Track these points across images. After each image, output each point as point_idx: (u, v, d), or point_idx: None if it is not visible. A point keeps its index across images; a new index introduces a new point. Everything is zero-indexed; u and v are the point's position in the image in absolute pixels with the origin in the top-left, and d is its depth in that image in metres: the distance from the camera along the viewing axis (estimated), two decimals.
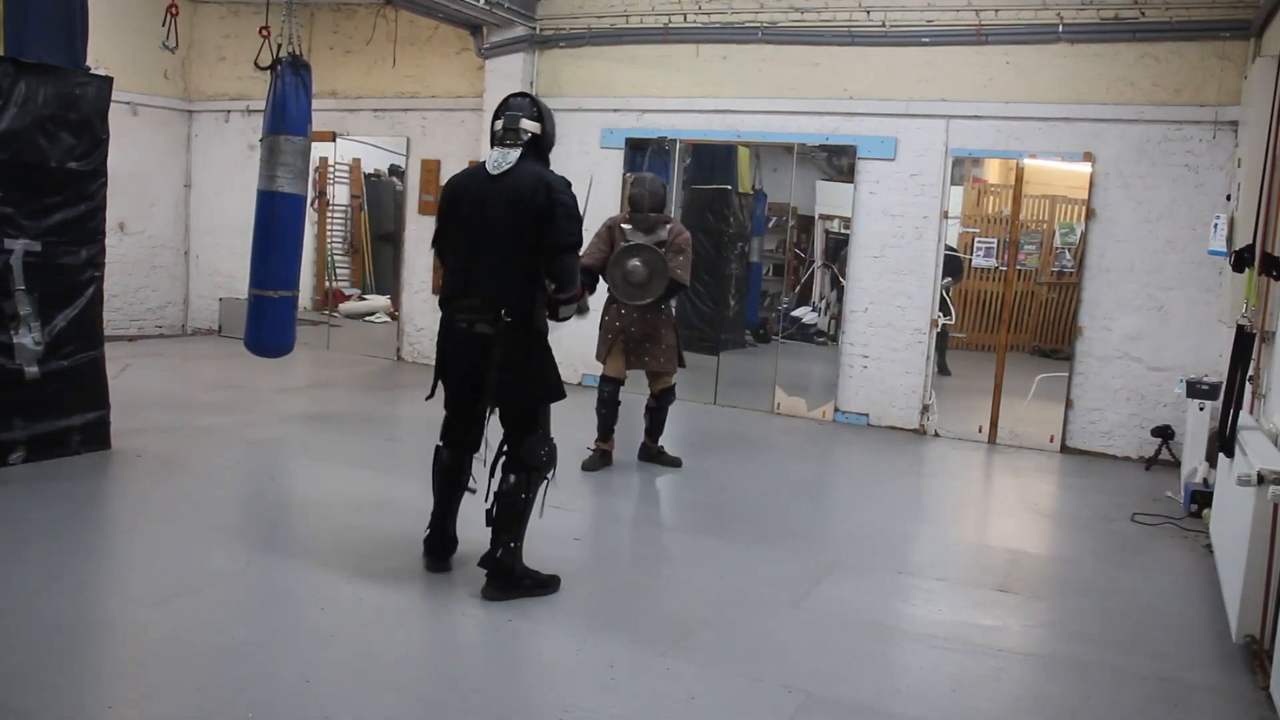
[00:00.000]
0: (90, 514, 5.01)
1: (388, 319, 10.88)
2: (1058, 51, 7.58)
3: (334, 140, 10.42)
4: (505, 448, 4.03)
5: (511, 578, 3.99)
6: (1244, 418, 4.32)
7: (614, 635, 3.75)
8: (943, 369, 8.20)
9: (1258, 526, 3.69)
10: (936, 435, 7.97)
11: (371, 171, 11.73)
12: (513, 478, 3.98)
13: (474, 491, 4.22)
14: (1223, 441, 4.28)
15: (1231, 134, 7.04)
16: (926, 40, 7.92)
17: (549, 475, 4.07)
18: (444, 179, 9.76)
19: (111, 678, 3.28)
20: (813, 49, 8.30)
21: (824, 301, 8.88)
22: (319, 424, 7.14)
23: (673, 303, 6.32)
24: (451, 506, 4.27)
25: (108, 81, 5.79)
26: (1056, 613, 4.37)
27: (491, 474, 4.09)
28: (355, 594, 4.03)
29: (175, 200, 11.18)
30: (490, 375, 3.88)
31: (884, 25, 8.03)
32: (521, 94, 4.16)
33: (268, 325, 6.96)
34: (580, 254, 4.13)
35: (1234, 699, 3.53)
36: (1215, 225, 6.15)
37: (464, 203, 4.00)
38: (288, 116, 6.77)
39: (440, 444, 4.24)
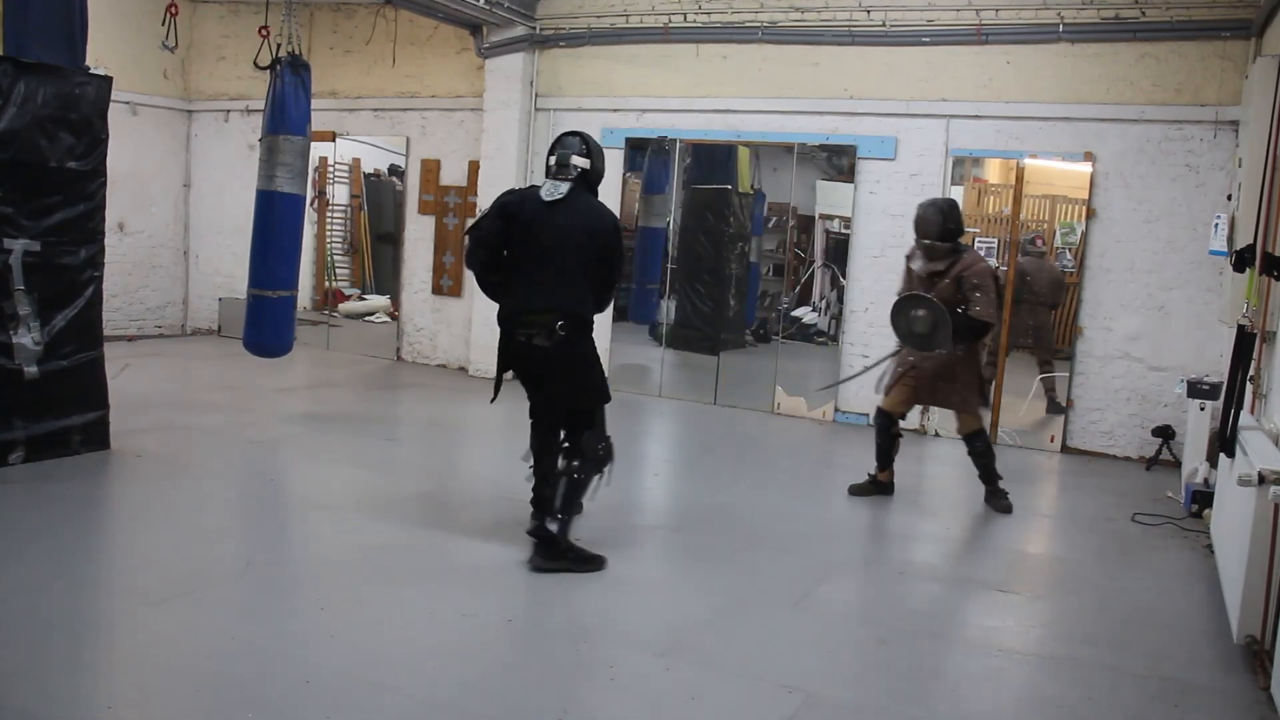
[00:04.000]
0: (90, 514, 5.01)
1: (387, 319, 10.87)
2: (1058, 51, 7.57)
3: (334, 140, 10.42)
4: (566, 442, 4.48)
5: (556, 549, 4.31)
6: (1245, 418, 4.32)
7: (614, 635, 3.75)
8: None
9: (1258, 527, 3.69)
10: (936, 435, 7.97)
11: (371, 171, 11.72)
12: (574, 462, 4.40)
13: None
14: (1223, 442, 4.28)
15: (1232, 134, 7.03)
16: (927, 40, 7.91)
17: (604, 469, 4.45)
18: (443, 179, 9.85)
19: (111, 678, 3.28)
20: (813, 49, 8.30)
21: (824, 301, 8.87)
22: (319, 424, 7.14)
23: (984, 345, 5.94)
24: (544, 471, 4.56)
25: (107, 81, 5.79)
26: (1057, 613, 4.37)
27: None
28: (355, 594, 4.03)
29: (175, 200, 11.17)
30: (552, 382, 4.36)
31: (884, 25, 8.03)
32: (574, 132, 4.59)
33: (267, 325, 6.96)
34: None
35: (1234, 699, 3.53)
36: (1216, 225, 6.14)
37: (517, 221, 4.37)
38: (287, 116, 6.77)
39: (531, 419, 4.63)
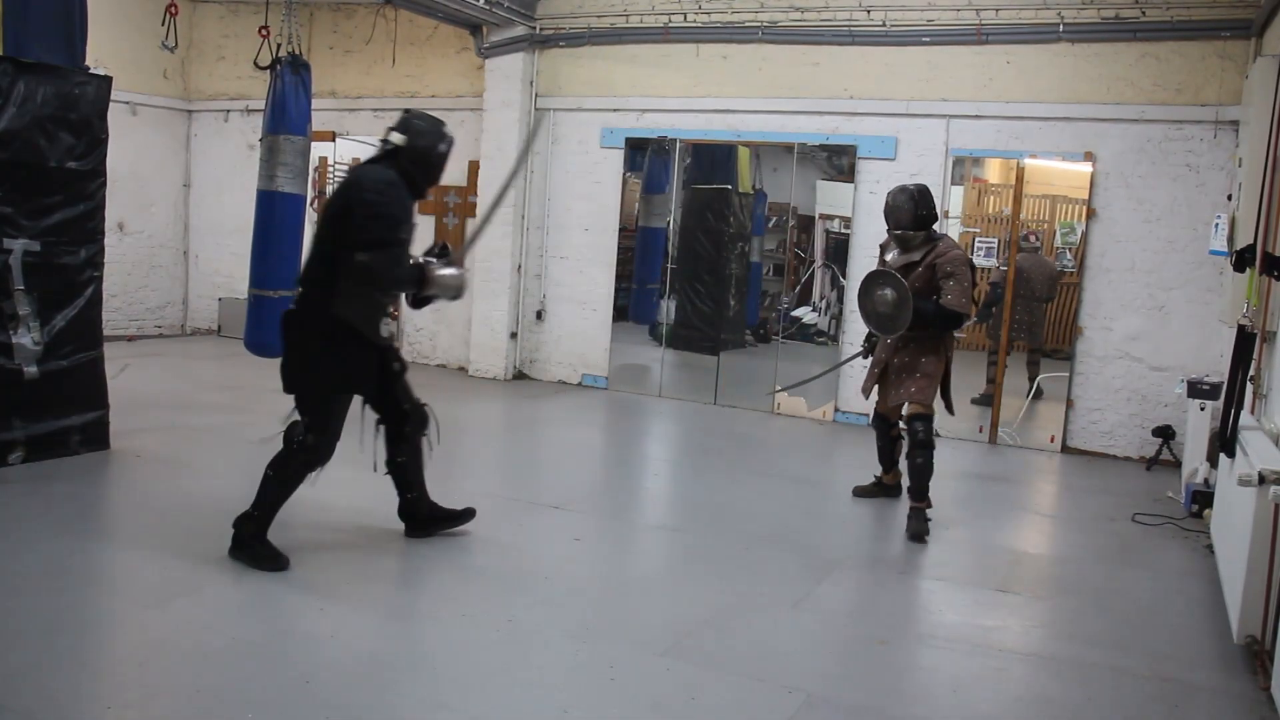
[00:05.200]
0: (90, 514, 5.00)
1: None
2: (1058, 51, 7.57)
3: (334, 140, 10.41)
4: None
5: (240, 540, 4.16)
6: (1245, 418, 4.32)
7: (614, 635, 3.75)
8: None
9: (1259, 527, 3.69)
10: (937, 435, 7.95)
11: None
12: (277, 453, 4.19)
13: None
14: (1224, 442, 4.28)
15: (1232, 133, 7.03)
16: (927, 40, 7.91)
17: (300, 467, 4.17)
18: (444, 178, 9.80)
19: (111, 678, 3.28)
20: (813, 49, 8.30)
21: (824, 301, 8.87)
22: None
23: (955, 337, 5.55)
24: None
25: (107, 81, 5.78)
26: (1057, 613, 4.36)
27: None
28: (355, 594, 4.03)
29: (174, 200, 11.17)
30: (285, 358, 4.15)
31: (884, 25, 8.03)
32: (408, 110, 4.35)
33: (267, 325, 6.93)
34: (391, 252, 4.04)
35: (1235, 699, 3.53)
36: (1216, 225, 6.14)
37: None
38: (287, 116, 6.76)
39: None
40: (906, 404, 5.43)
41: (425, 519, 4.65)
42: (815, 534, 5.26)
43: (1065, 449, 7.63)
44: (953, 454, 7.51)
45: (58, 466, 5.37)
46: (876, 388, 5.59)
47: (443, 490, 4.89)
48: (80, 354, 5.62)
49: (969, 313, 5.29)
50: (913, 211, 5.27)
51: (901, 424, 5.61)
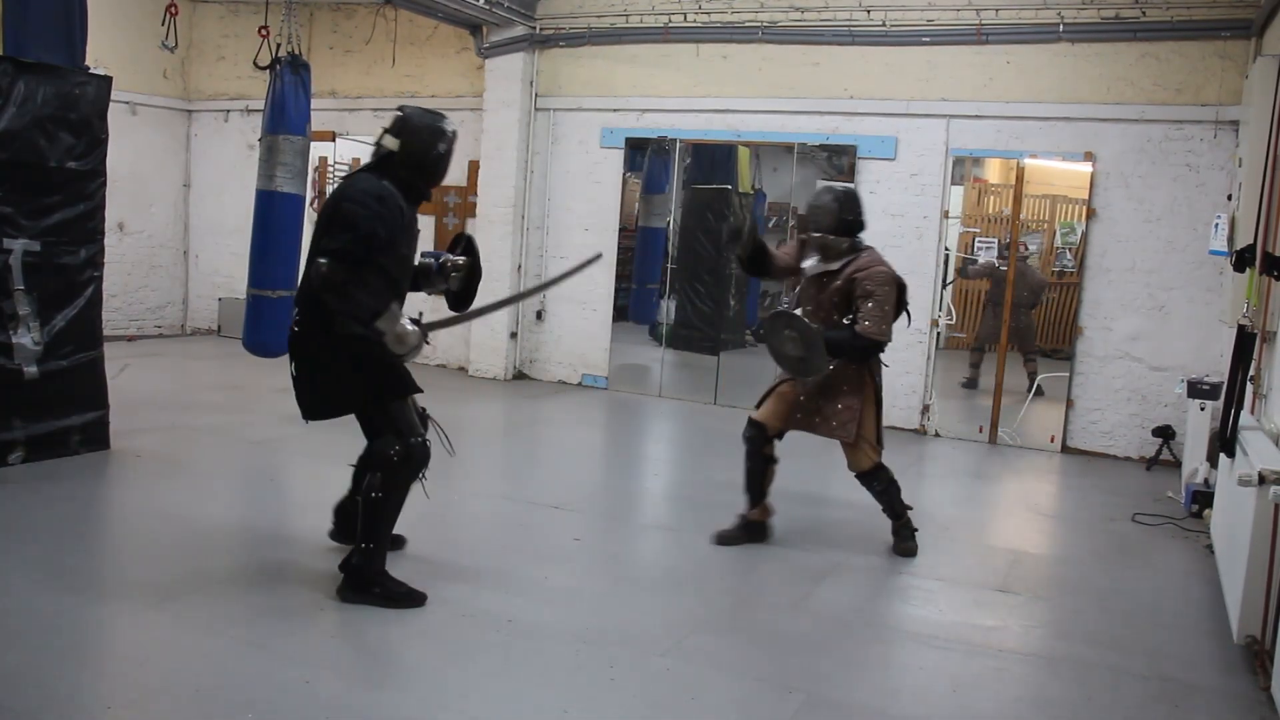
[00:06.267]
0: (90, 514, 5.00)
1: None
2: (1058, 51, 7.57)
3: (334, 140, 10.41)
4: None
5: (362, 580, 3.85)
6: (1245, 418, 4.32)
7: (614, 635, 3.75)
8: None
9: (1259, 527, 3.69)
10: (937, 435, 7.97)
11: None
12: (370, 477, 3.89)
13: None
14: (1224, 442, 4.28)
15: (1232, 133, 7.03)
16: (927, 40, 7.91)
17: (407, 479, 3.91)
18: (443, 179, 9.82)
19: (111, 678, 3.27)
20: (813, 49, 8.30)
21: None
22: (319, 424, 7.11)
23: (880, 361, 4.85)
24: (355, 480, 4.29)
25: (107, 81, 5.78)
26: (1057, 613, 4.36)
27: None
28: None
29: (174, 200, 11.17)
30: (297, 379, 3.92)
31: (884, 25, 8.03)
32: (402, 107, 4.03)
33: (267, 325, 6.94)
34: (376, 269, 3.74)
35: (1235, 699, 3.53)
36: (1216, 225, 6.14)
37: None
38: (287, 116, 6.76)
39: None
40: (844, 452, 4.86)
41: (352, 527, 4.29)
42: (815, 534, 5.26)
43: (1065, 449, 7.63)
44: (953, 454, 7.51)
45: (58, 466, 5.37)
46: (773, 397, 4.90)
47: (443, 490, 4.89)
48: (80, 354, 5.62)
49: (886, 340, 4.66)
50: (836, 214, 4.66)
51: (776, 444, 4.94)
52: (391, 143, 3.88)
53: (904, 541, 4.96)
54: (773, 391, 4.89)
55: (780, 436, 4.92)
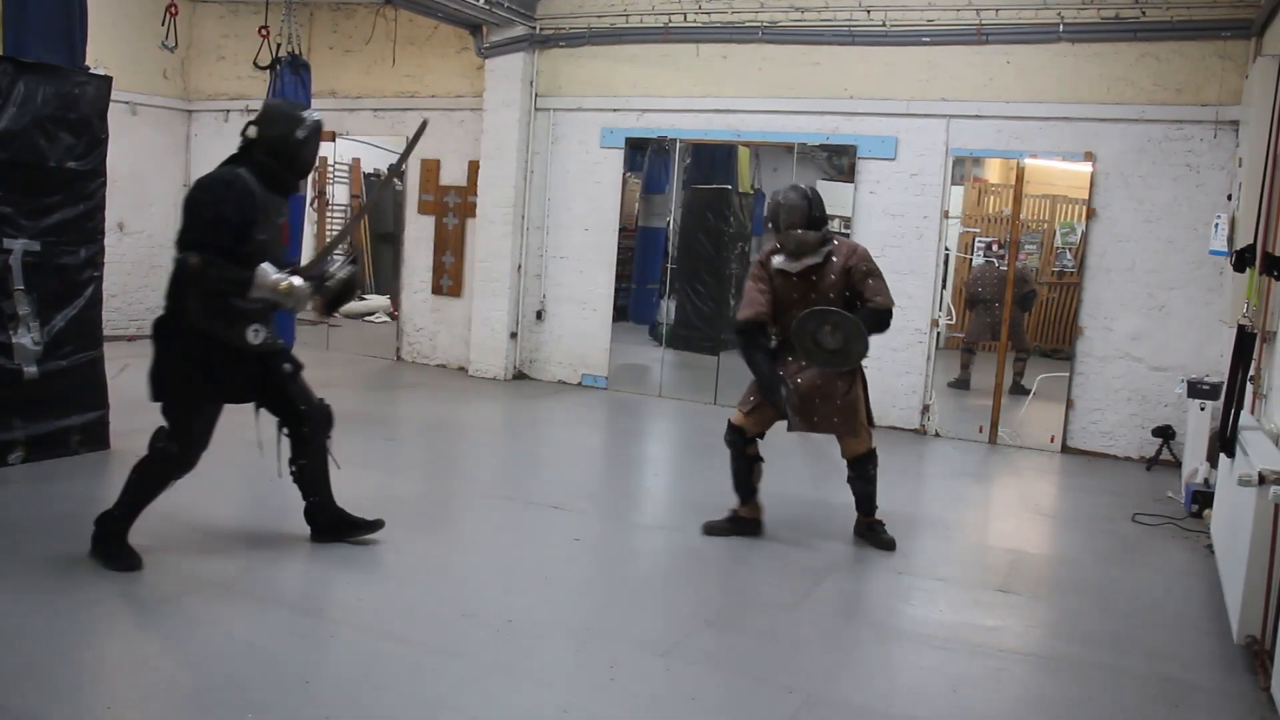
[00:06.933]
0: (90, 514, 4.98)
1: (387, 319, 10.88)
2: (1058, 51, 7.57)
3: (334, 140, 10.41)
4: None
5: (95, 538, 4.07)
6: (1245, 418, 4.32)
7: (614, 635, 3.75)
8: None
9: (1259, 527, 3.69)
10: (937, 435, 7.97)
11: (371, 171, 11.73)
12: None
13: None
14: (1224, 442, 4.28)
15: (1232, 133, 7.03)
16: (927, 40, 7.91)
17: (161, 474, 4.11)
18: (443, 179, 9.84)
19: (111, 678, 3.28)
20: (813, 49, 8.30)
21: None
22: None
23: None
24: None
25: (107, 81, 5.78)
26: (1057, 613, 4.36)
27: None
28: (355, 594, 4.03)
29: (174, 200, 11.13)
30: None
31: (884, 25, 8.03)
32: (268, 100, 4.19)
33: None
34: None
35: (1235, 699, 3.53)
36: (1216, 225, 6.14)
37: None
38: None
39: None
40: (839, 442, 4.95)
41: (326, 526, 4.45)
42: (815, 534, 5.25)
43: (1065, 449, 7.63)
44: (953, 454, 7.51)
45: (58, 466, 5.37)
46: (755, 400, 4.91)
47: (443, 490, 4.90)
48: (80, 354, 5.61)
49: (894, 306, 4.94)
50: (807, 211, 4.74)
51: (758, 444, 4.98)
52: (252, 131, 4.05)
53: (877, 534, 5.03)
54: (757, 404, 4.90)
55: (761, 436, 4.99)
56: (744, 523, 5.01)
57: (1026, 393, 8.05)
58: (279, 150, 4.03)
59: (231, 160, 4.08)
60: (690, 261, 9.33)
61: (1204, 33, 7.12)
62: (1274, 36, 6.25)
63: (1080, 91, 7.51)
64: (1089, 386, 7.59)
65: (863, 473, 4.97)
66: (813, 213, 4.77)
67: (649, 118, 8.97)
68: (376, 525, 4.53)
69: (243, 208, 3.90)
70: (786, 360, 4.91)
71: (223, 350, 3.98)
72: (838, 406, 4.81)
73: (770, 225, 4.87)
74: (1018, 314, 7.99)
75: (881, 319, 4.81)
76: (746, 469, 4.94)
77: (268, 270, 3.90)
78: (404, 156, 4.66)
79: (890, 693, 3.45)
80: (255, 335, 4.00)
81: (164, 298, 3.99)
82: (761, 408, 4.89)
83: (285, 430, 4.37)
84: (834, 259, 4.81)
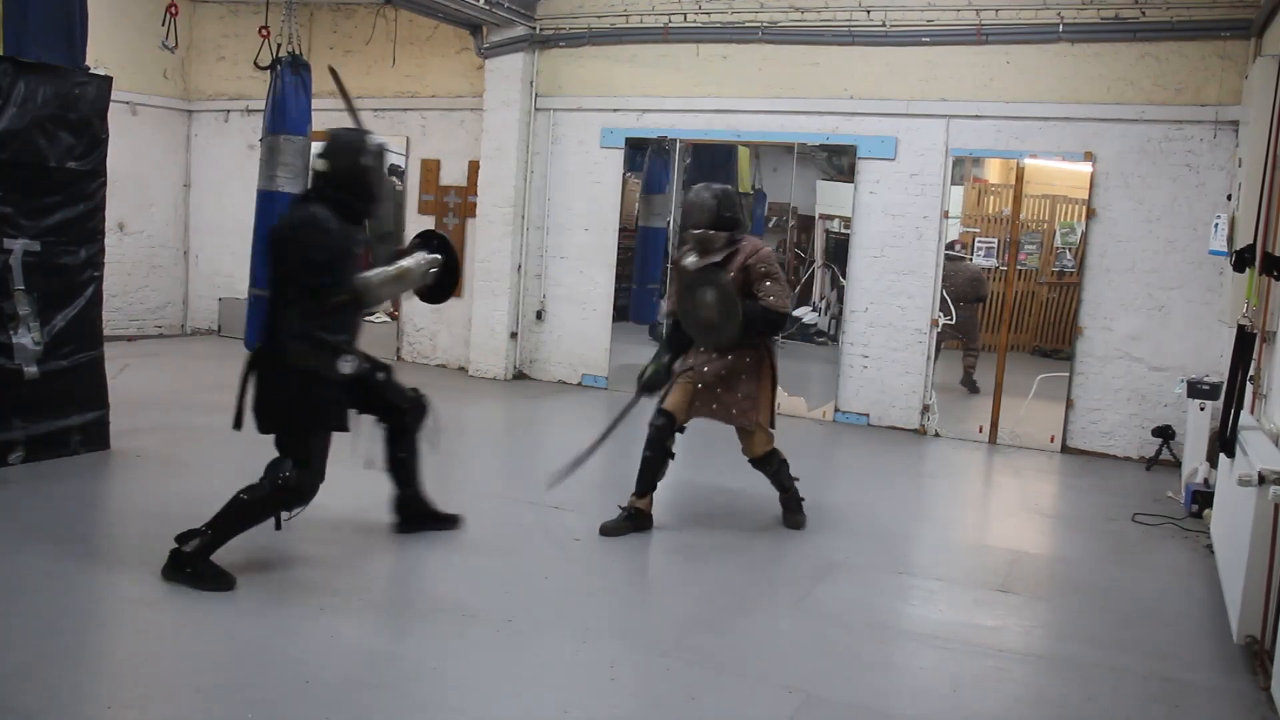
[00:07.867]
0: (90, 514, 5.00)
1: (387, 319, 10.87)
2: (1058, 51, 7.57)
3: None
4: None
5: (179, 560, 3.93)
6: (1245, 418, 4.32)
7: (614, 635, 3.75)
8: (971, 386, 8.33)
9: (1259, 527, 3.69)
10: (937, 435, 7.97)
11: None
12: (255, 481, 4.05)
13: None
14: (1223, 441, 4.28)
15: (1232, 133, 7.03)
16: (927, 40, 7.91)
17: (279, 504, 4.04)
18: (443, 179, 9.84)
19: (111, 678, 3.28)
20: (813, 49, 8.30)
21: (824, 301, 8.87)
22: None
23: (776, 343, 5.21)
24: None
25: (107, 81, 5.79)
26: (1057, 613, 4.36)
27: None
28: (355, 594, 4.02)
29: (175, 200, 11.17)
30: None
31: (884, 25, 8.03)
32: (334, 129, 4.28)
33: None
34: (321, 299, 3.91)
35: (1235, 699, 3.53)
36: (1216, 225, 6.14)
37: None
38: (288, 116, 6.78)
39: None
40: (740, 438, 5.09)
41: (414, 516, 4.70)
42: (815, 534, 5.25)
43: (1065, 449, 7.63)
44: (953, 454, 7.51)
45: (58, 466, 5.37)
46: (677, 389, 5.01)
47: (443, 490, 4.89)
48: (80, 354, 5.62)
49: (790, 311, 4.98)
50: (715, 210, 4.84)
51: (676, 436, 5.04)
52: (320, 165, 4.09)
53: (793, 514, 5.21)
54: (675, 382, 5.02)
55: (682, 430, 5.04)
56: (641, 516, 5.04)
57: (977, 391, 8.11)
58: (348, 181, 4.08)
59: (302, 198, 4.15)
60: None
61: (1204, 33, 7.12)
62: (1274, 36, 6.25)
63: (1080, 91, 7.51)
64: (1089, 386, 7.59)
65: (765, 471, 5.16)
66: (721, 213, 4.86)
67: (649, 118, 8.97)
68: (455, 521, 4.77)
69: (326, 247, 3.94)
70: (698, 351, 5.02)
71: (323, 383, 4.01)
72: (737, 399, 4.93)
73: (684, 220, 5.03)
74: (969, 311, 8.03)
75: (770, 319, 4.86)
76: (659, 460, 4.98)
77: (368, 274, 4.08)
78: (351, 109, 4.95)
79: (890, 693, 3.45)
80: (347, 366, 4.06)
81: (258, 334, 4.09)
82: (679, 385, 5.00)
83: (383, 425, 4.54)
84: (736, 257, 4.87)
